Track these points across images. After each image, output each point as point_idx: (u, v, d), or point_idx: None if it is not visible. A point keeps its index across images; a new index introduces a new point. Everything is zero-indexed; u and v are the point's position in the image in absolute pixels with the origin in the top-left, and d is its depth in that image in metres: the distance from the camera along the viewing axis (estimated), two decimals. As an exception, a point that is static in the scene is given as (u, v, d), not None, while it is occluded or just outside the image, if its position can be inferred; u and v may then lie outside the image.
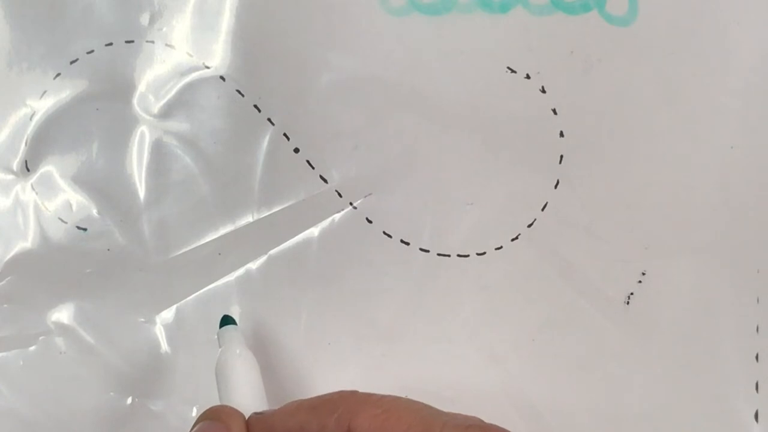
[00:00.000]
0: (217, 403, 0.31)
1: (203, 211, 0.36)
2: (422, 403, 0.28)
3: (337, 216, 0.36)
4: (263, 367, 0.34)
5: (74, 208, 0.36)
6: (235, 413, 0.30)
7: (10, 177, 0.36)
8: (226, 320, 0.34)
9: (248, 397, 0.31)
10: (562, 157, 0.36)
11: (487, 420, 0.32)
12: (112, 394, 0.36)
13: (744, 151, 0.36)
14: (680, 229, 0.36)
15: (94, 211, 0.36)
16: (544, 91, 0.36)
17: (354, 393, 0.29)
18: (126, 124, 0.36)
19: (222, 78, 0.35)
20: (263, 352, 0.36)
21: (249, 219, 0.36)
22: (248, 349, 0.33)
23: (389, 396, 0.29)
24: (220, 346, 0.34)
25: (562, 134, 0.36)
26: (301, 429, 0.28)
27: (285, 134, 0.36)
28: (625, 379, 0.36)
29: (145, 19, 0.36)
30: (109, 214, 0.36)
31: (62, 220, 0.36)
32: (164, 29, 0.35)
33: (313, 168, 0.36)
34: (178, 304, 0.36)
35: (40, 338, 0.36)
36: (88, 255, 0.36)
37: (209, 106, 0.36)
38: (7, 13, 0.35)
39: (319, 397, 0.29)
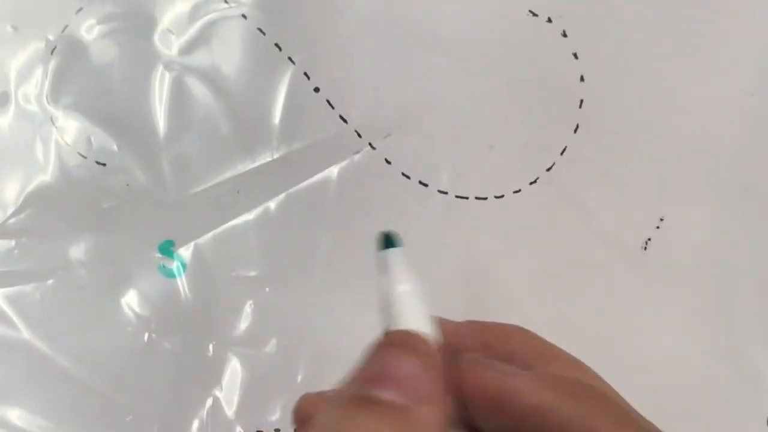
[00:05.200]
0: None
1: (223, 148, 0.36)
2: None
3: (356, 156, 0.36)
4: (279, 305, 0.35)
5: (94, 143, 0.36)
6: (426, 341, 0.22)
7: (31, 110, 0.36)
8: (389, 241, 0.25)
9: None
10: (582, 101, 0.36)
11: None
12: (128, 329, 0.36)
13: (764, 98, 0.36)
14: (700, 177, 0.36)
15: (114, 147, 0.36)
16: (565, 35, 0.36)
17: None
18: (147, 60, 0.36)
19: (244, 16, 0.35)
20: (280, 289, 0.36)
21: (268, 157, 0.36)
22: (418, 281, 0.24)
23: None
24: (383, 273, 0.24)
25: (582, 79, 0.36)
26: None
27: (305, 73, 0.36)
28: (640, 325, 0.36)
29: (167, -44, 0.36)
30: (129, 149, 0.36)
31: (81, 155, 0.36)
32: (187, -34, 0.35)
33: (333, 108, 0.36)
34: (196, 241, 0.36)
35: (58, 272, 0.36)
36: (106, 190, 0.36)
37: (230, 44, 0.36)
38: (30, -53, 0.36)
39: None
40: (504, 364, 0.23)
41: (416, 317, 0.23)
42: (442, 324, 0.23)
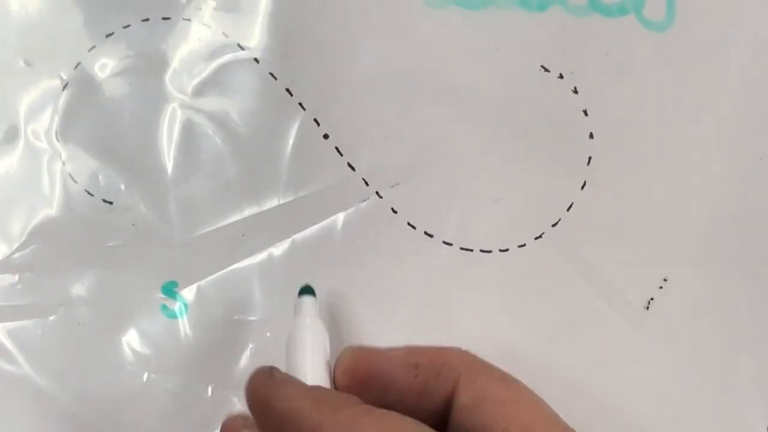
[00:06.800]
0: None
1: (230, 191, 0.36)
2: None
3: (362, 204, 0.36)
4: (280, 350, 0.35)
5: (101, 181, 0.36)
6: None
7: (40, 146, 0.36)
8: (305, 290, 0.33)
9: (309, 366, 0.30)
10: (590, 158, 0.36)
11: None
12: (128, 368, 0.36)
13: (773, 163, 0.36)
14: (704, 238, 0.36)
15: (122, 185, 0.36)
16: (576, 92, 0.36)
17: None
18: (158, 100, 0.36)
19: (256, 60, 0.36)
20: (281, 335, 0.36)
21: (275, 202, 0.36)
22: (323, 328, 0.32)
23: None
24: (295, 316, 0.32)
25: (591, 136, 0.36)
26: (298, 418, 0.26)
27: (315, 120, 0.36)
28: (640, 385, 0.36)
29: (182, -4, 0.36)
30: (136, 189, 0.36)
31: (89, 193, 0.36)
32: (201, 8, 0.35)
33: (341, 155, 0.36)
34: (199, 283, 0.36)
35: (60, 308, 0.36)
36: (112, 228, 0.36)
37: (242, 87, 0.36)
38: (46, -17, 0.36)
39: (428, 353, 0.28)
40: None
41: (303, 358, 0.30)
42: (373, 352, 0.29)
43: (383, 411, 0.27)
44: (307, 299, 0.32)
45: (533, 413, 0.28)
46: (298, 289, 0.33)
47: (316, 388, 0.28)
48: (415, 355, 0.29)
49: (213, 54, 0.36)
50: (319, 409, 0.25)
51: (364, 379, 0.29)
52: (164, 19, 0.35)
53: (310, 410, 0.25)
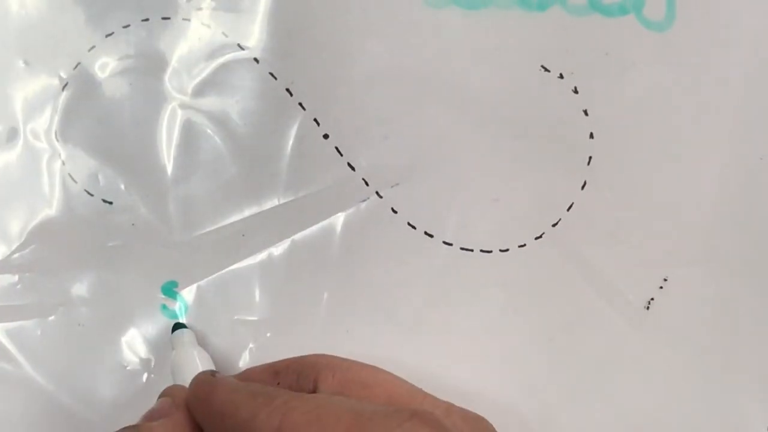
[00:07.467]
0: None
1: (229, 191, 0.36)
2: (356, 402, 0.28)
3: (362, 204, 0.36)
4: (280, 350, 0.35)
5: (101, 181, 0.36)
6: (183, 389, 0.32)
7: (39, 146, 0.36)
8: (177, 326, 0.35)
9: None
10: (590, 158, 0.36)
11: (500, 419, 0.32)
12: (128, 369, 0.36)
13: (773, 163, 0.36)
14: (705, 238, 0.36)
15: (121, 185, 0.36)
16: (576, 92, 0.36)
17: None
18: (157, 100, 0.36)
19: (256, 60, 0.35)
20: (281, 335, 0.36)
21: (275, 202, 0.36)
22: (203, 349, 0.34)
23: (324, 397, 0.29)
24: (173, 349, 0.34)
25: (592, 136, 0.36)
26: (236, 410, 0.28)
27: (315, 119, 0.36)
28: (641, 385, 0.36)
29: (182, -4, 0.36)
30: (136, 189, 0.36)
31: (88, 193, 0.36)
32: (201, 8, 0.35)
33: (341, 155, 0.36)
34: (199, 283, 0.36)
35: (60, 308, 0.36)
36: (112, 228, 0.36)
37: (241, 87, 0.36)
38: (46, -18, 0.36)
39: (263, 387, 0.29)
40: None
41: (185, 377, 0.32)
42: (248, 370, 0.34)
43: (313, 394, 0.30)
44: (184, 332, 0.35)
45: (396, 389, 0.31)
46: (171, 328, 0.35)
47: (253, 384, 0.30)
48: (274, 365, 0.33)
49: (213, 54, 0.36)
50: (255, 399, 0.27)
51: None
52: (164, 19, 0.35)
53: (245, 402, 0.28)
